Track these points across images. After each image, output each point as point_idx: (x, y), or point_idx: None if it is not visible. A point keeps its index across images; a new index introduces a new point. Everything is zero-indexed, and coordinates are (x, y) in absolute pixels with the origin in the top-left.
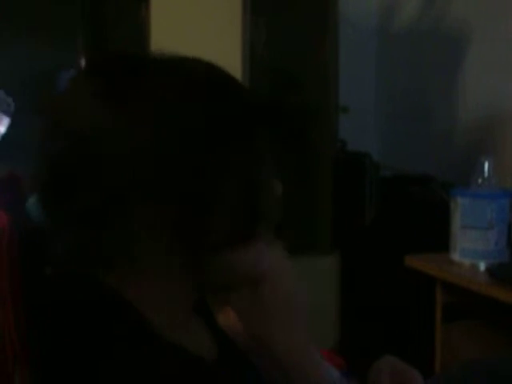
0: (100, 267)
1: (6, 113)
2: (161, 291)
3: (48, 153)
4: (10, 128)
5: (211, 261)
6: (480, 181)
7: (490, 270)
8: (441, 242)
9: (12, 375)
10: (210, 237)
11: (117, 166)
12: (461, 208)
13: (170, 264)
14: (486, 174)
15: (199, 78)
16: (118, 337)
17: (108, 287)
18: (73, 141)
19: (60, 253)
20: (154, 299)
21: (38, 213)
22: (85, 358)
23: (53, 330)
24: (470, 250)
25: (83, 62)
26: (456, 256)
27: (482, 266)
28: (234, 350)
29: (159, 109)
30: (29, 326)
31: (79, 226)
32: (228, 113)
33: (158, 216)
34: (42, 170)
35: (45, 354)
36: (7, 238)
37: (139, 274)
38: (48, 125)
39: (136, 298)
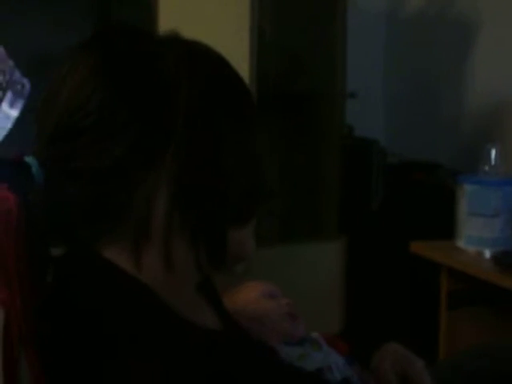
0: (102, 232)
1: (20, 95)
2: (168, 270)
3: (44, 119)
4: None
5: (217, 237)
6: (487, 168)
7: (495, 258)
8: (447, 229)
9: (17, 356)
10: (218, 212)
11: (111, 140)
12: (467, 195)
13: (180, 238)
14: (493, 162)
15: (200, 58)
16: (141, 320)
17: (119, 268)
18: (63, 112)
19: (61, 215)
20: (164, 279)
21: (38, 173)
22: (101, 341)
23: (64, 313)
24: (475, 237)
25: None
26: (462, 243)
27: (488, 254)
28: (237, 328)
29: (155, 85)
30: (36, 307)
31: (83, 184)
32: (225, 94)
33: (170, 185)
34: (41, 135)
35: (55, 336)
36: (15, 219)
37: (142, 244)
38: (45, 95)
39: (147, 277)
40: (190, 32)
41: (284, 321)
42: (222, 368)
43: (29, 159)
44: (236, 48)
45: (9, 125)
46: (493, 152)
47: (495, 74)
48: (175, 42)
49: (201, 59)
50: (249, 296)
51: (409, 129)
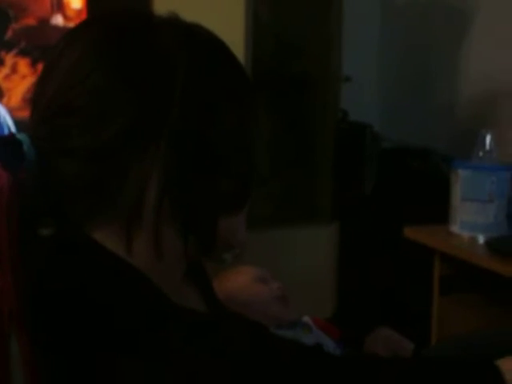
0: (93, 213)
1: None
2: (157, 256)
3: (41, 93)
4: None
5: (208, 225)
6: (481, 154)
7: (488, 243)
8: (440, 214)
9: (8, 335)
10: (210, 200)
11: (108, 119)
12: (461, 180)
13: (170, 225)
14: (488, 147)
15: (198, 39)
16: (138, 304)
17: (111, 253)
18: (59, 89)
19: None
20: (152, 265)
21: (30, 151)
22: (95, 328)
23: (55, 297)
24: (469, 222)
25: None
26: (455, 228)
27: (481, 239)
28: (225, 314)
29: (153, 67)
30: (27, 287)
31: (79, 162)
32: (223, 78)
33: (163, 170)
34: (35, 111)
35: (46, 319)
36: (6, 198)
37: (133, 229)
38: (41, 72)
39: (136, 262)
40: (185, 15)
41: (275, 305)
42: (225, 347)
43: (20, 136)
44: (231, 31)
45: None
46: (487, 137)
47: (490, 59)
48: (174, 23)
49: (199, 41)
50: (240, 280)
51: (403, 114)
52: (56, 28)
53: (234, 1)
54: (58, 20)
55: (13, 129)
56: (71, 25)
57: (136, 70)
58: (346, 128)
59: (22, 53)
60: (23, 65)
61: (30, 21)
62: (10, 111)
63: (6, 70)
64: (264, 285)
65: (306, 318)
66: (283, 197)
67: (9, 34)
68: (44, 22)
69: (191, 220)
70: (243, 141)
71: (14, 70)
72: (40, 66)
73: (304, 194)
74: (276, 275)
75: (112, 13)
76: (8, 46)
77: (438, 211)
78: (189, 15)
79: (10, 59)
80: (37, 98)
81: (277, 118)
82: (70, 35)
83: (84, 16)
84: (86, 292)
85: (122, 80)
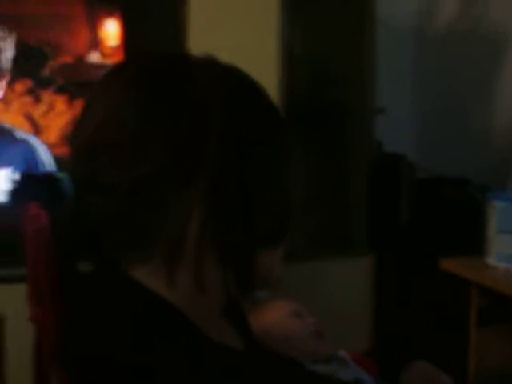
0: (131, 250)
1: None
2: (199, 291)
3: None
4: None
5: (246, 260)
6: None
7: None
8: (475, 245)
9: (48, 374)
10: (248, 235)
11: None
12: (497, 212)
13: (210, 259)
14: None
15: (233, 82)
16: (174, 344)
17: (151, 292)
18: (97, 128)
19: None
20: (194, 301)
21: (70, 189)
22: (133, 363)
23: (94, 336)
24: (505, 254)
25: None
26: (491, 260)
27: None
28: (261, 351)
29: (189, 106)
30: (67, 325)
31: (114, 201)
32: (258, 119)
33: (203, 208)
34: (74, 151)
35: (84, 358)
36: (45, 238)
37: (175, 264)
38: (80, 112)
39: (177, 299)
40: (219, 51)
41: (310, 340)
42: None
43: (60, 175)
44: (266, 63)
45: None
46: None
47: None
48: (210, 65)
49: (234, 84)
50: (275, 316)
51: (438, 144)
52: (92, 65)
53: (268, 32)
54: (95, 57)
55: (52, 165)
56: (108, 62)
57: (172, 112)
58: (381, 159)
59: (59, 90)
60: (60, 102)
61: (67, 58)
62: (49, 148)
63: (43, 107)
64: (299, 320)
65: (343, 353)
66: (319, 229)
67: (46, 71)
68: (81, 60)
69: (230, 256)
70: (278, 179)
71: (51, 107)
72: (77, 103)
73: (340, 225)
74: (311, 308)
75: (149, 53)
76: (45, 84)
77: (474, 242)
78: (223, 50)
79: (47, 96)
80: (75, 136)
81: (312, 150)
82: (107, 76)
83: (120, 53)
84: (126, 337)
85: (159, 121)
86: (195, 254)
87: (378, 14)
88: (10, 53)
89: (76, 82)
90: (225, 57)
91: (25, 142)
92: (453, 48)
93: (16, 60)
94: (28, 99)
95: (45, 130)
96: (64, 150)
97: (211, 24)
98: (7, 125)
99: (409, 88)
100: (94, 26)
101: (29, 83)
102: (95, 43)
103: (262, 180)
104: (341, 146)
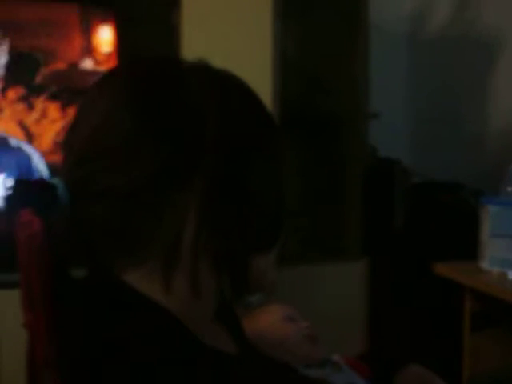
0: (125, 255)
1: None
2: (194, 295)
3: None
4: None
5: (240, 263)
6: (510, 189)
7: None
8: (469, 249)
9: (42, 379)
10: (242, 239)
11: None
12: (490, 216)
13: (204, 263)
14: None
15: (227, 86)
16: (167, 347)
17: (143, 296)
18: (91, 133)
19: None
20: (189, 305)
21: (64, 195)
22: (127, 367)
23: (89, 336)
24: (499, 258)
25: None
26: (485, 264)
27: (511, 275)
28: (255, 355)
29: (182, 110)
30: (60, 330)
31: (108, 204)
32: (251, 123)
33: (198, 212)
34: (68, 156)
35: (78, 360)
36: (39, 243)
37: (171, 269)
38: (73, 118)
39: (173, 304)
40: (212, 57)
41: (304, 344)
42: None
43: (54, 181)
44: (259, 70)
45: None
46: None
47: None
48: (203, 69)
49: (228, 88)
50: (268, 320)
51: (432, 148)
52: (86, 72)
53: (262, 40)
54: (88, 64)
55: (45, 172)
56: (101, 68)
57: (165, 117)
58: (375, 164)
59: (52, 97)
60: (53, 109)
61: (60, 65)
62: (42, 155)
63: (36, 115)
64: (292, 324)
65: (336, 357)
66: (312, 233)
67: (38, 78)
68: (74, 66)
69: (225, 260)
70: (272, 183)
71: (44, 114)
72: (70, 110)
73: (334, 230)
74: (305, 313)
75: (142, 58)
76: (38, 91)
77: (468, 246)
78: (216, 56)
79: (39, 104)
80: (69, 142)
81: (306, 155)
82: (101, 82)
83: (114, 59)
84: (120, 341)
85: (152, 126)
86: (191, 258)
87: (370, 19)
88: (2, 59)
89: (69, 89)
90: (218, 63)
91: (19, 149)
92: (446, 52)
93: (8, 67)
94: (20, 106)
95: (38, 137)
96: (57, 158)
97: (204, 30)
98: (0, 132)
99: (402, 93)
100: (87, 32)
101: (21, 90)
102: (88, 50)
103: (257, 184)
104: (335, 151)
